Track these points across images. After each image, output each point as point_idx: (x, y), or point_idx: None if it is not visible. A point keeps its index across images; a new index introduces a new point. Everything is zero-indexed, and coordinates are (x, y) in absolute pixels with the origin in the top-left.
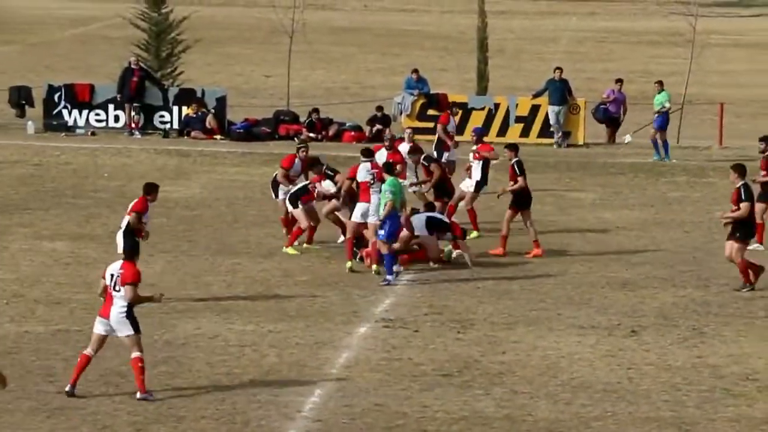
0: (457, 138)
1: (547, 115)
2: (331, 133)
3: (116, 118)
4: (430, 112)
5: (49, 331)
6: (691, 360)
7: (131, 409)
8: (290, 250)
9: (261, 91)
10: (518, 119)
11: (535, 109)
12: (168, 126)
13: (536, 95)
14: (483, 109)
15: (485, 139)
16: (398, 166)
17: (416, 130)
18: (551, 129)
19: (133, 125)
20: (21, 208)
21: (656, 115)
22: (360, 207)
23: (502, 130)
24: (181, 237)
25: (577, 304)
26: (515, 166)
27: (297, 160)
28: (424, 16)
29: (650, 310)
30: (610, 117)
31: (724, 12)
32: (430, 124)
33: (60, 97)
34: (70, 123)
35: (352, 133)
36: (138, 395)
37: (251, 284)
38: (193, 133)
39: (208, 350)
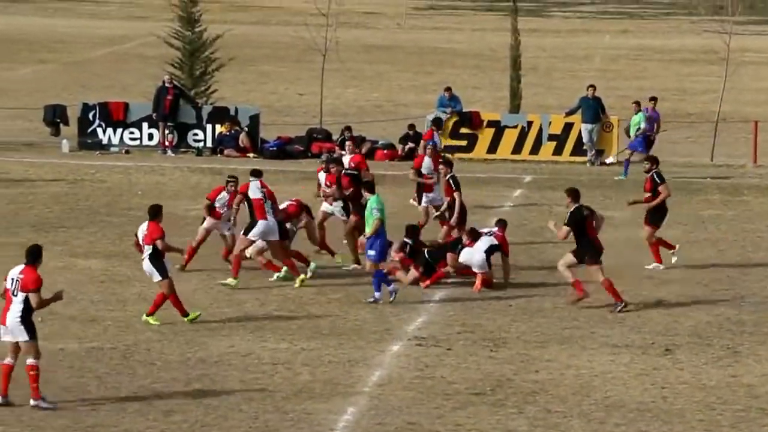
0: (491, 156)
1: (580, 133)
2: (363, 151)
3: (150, 137)
4: (463, 130)
5: (83, 349)
6: (726, 379)
7: (164, 427)
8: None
9: (294, 109)
10: (551, 137)
11: (568, 127)
12: (201, 144)
13: (569, 113)
14: (516, 127)
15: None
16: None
17: (449, 149)
18: (584, 147)
19: (166, 144)
20: (56, 226)
21: (636, 136)
22: (260, 225)
23: (535, 148)
24: (215, 254)
25: (611, 322)
26: (450, 181)
27: (224, 192)
28: (457, 34)
29: (684, 329)
30: (644, 135)
31: (759, 30)
32: (463, 142)
33: (94, 116)
34: (105, 141)
35: (385, 151)
36: (31, 402)
37: (284, 302)
38: (226, 152)
39: (241, 368)
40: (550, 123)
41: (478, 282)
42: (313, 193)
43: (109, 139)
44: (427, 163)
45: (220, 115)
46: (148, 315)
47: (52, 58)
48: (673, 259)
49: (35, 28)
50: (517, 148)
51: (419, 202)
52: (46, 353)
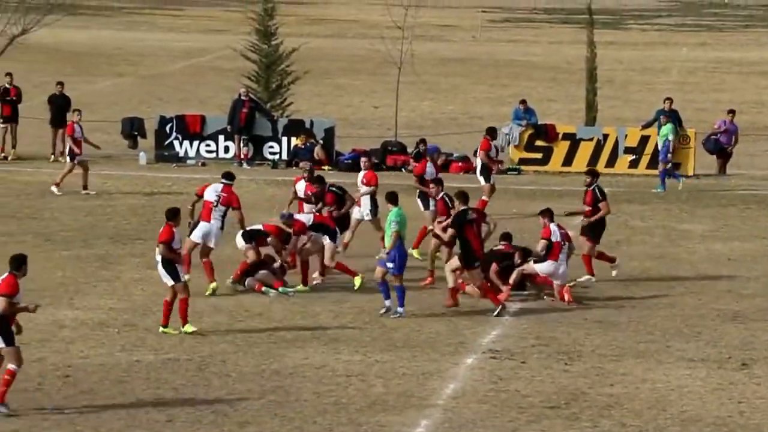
0: (566, 169)
1: (656, 145)
2: (438, 163)
3: (226, 149)
4: (538, 142)
5: (159, 360)
6: None
7: None
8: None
9: (369, 121)
10: (627, 150)
11: (644, 140)
12: (277, 157)
13: (645, 126)
14: (591, 139)
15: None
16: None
17: (525, 161)
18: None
19: (242, 156)
20: (133, 238)
21: (663, 146)
22: (202, 227)
23: (611, 161)
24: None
25: (687, 336)
26: (446, 199)
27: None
28: (532, 46)
29: (761, 343)
30: (720, 148)
31: None
32: (539, 155)
33: (171, 128)
34: (181, 154)
35: (460, 163)
36: None
37: (358, 314)
38: (301, 164)
39: (315, 380)
40: (626, 136)
41: (568, 295)
42: (287, 201)
43: (186, 151)
44: (430, 169)
45: (295, 127)
46: (182, 326)
47: (131, 71)
48: (613, 273)
49: (114, 42)
50: (593, 161)
51: (425, 207)
52: (122, 364)
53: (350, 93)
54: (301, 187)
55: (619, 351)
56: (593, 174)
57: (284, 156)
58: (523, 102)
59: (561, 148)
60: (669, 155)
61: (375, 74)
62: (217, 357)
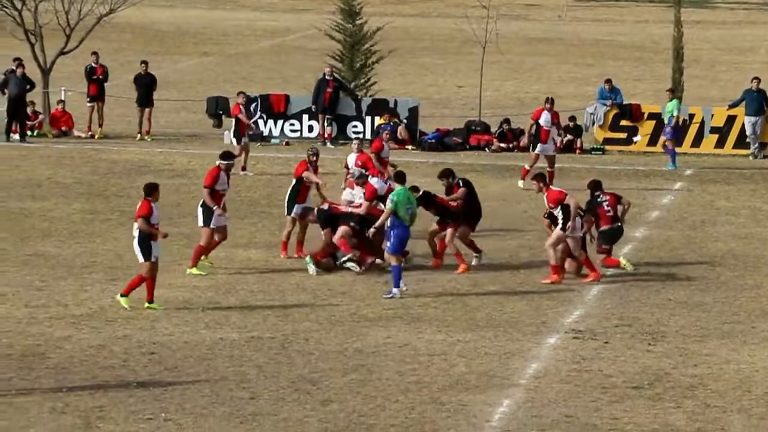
0: (651, 149)
1: (743, 125)
2: (522, 143)
3: (310, 128)
4: (623, 122)
5: (243, 338)
6: None
7: (322, 416)
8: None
9: (453, 101)
10: (713, 130)
11: (731, 119)
12: (361, 136)
13: (732, 106)
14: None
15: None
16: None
17: (609, 141)
18: (747, 140)
19: (326, 136)
20: None
21: (668, 124)
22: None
23: (697, 141)
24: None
25: None
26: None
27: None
28: (618, 26)
29: None
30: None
31: None
32: (623, 135)
33: (256, 108)
34: (266, 133)
35: None
36: None
37: (440, 294)
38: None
39: (397, 359)
40: (712, 116)
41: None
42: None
43: (270, 130)
44: (385, 149)
45: (379, 107)
46: (119, 294)
47: (216, 50)
48: (474, 261)
49: (200, 21)
50: (679, 141)
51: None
52: (207, 342)
53: (434, 72)
54: (351, 159)
55: (703, 332)
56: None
57: (368, 135)
58: (609, 81)
59: (646, 128)
60: (669, 130)
61: (459, 54)
62: (300, 335)
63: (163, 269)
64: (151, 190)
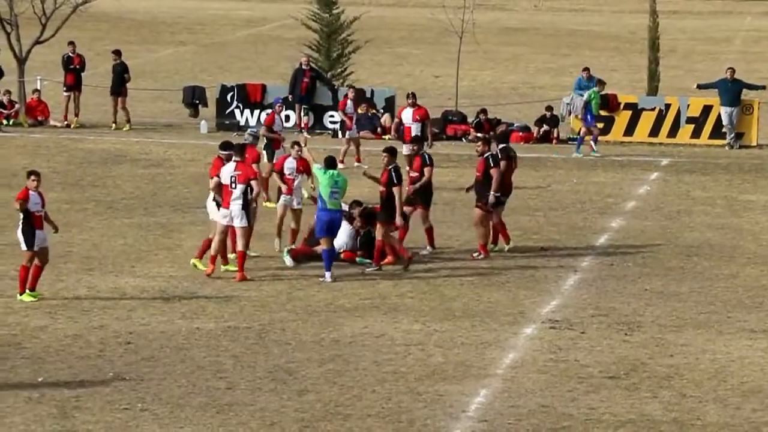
0: (628, 139)
1: (719, 116)
2: (498, 132)
3: (287, 118)
4: (601, 112)
5: (219, 328)
6: None
7: (299, 406)
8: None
9: (429, 91)
10: (689, 120)
11: (707, 109)
12: (337, 126)
13: (701, 87)
14: (653, 109)
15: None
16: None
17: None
18: (723, 130)
19: (302, 125)
20: (194, 206)
21: (584, 111)
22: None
23: (673, 131)
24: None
25: (749, 307)
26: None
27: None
28: (594, 15)
29: None
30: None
31: None
32: (600, 125)
33: (232, 97)
34: (242, 122)
35: (521, 133)
36: None
37: (417, 284)
38: (361, 133)
39: (374, 349)
40: (688, 106)
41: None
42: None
43: (247, 120)
44: (278, 120)
45: (356, 97)
46: (21, 294)
47: (192, 39)
48: (425, 251)
49: (176, 10)
50: (655, 131)
51: (269, 159)
52: (183, 331)
53: (411, 62)
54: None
55: (679, 322)
56: (486, 142)
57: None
58: (586, 70)
59: (623, 118)
60: (585, 119)
61: (436, 43)
62: (277, 325)
63: (138, 258)
64: (28, 177)
